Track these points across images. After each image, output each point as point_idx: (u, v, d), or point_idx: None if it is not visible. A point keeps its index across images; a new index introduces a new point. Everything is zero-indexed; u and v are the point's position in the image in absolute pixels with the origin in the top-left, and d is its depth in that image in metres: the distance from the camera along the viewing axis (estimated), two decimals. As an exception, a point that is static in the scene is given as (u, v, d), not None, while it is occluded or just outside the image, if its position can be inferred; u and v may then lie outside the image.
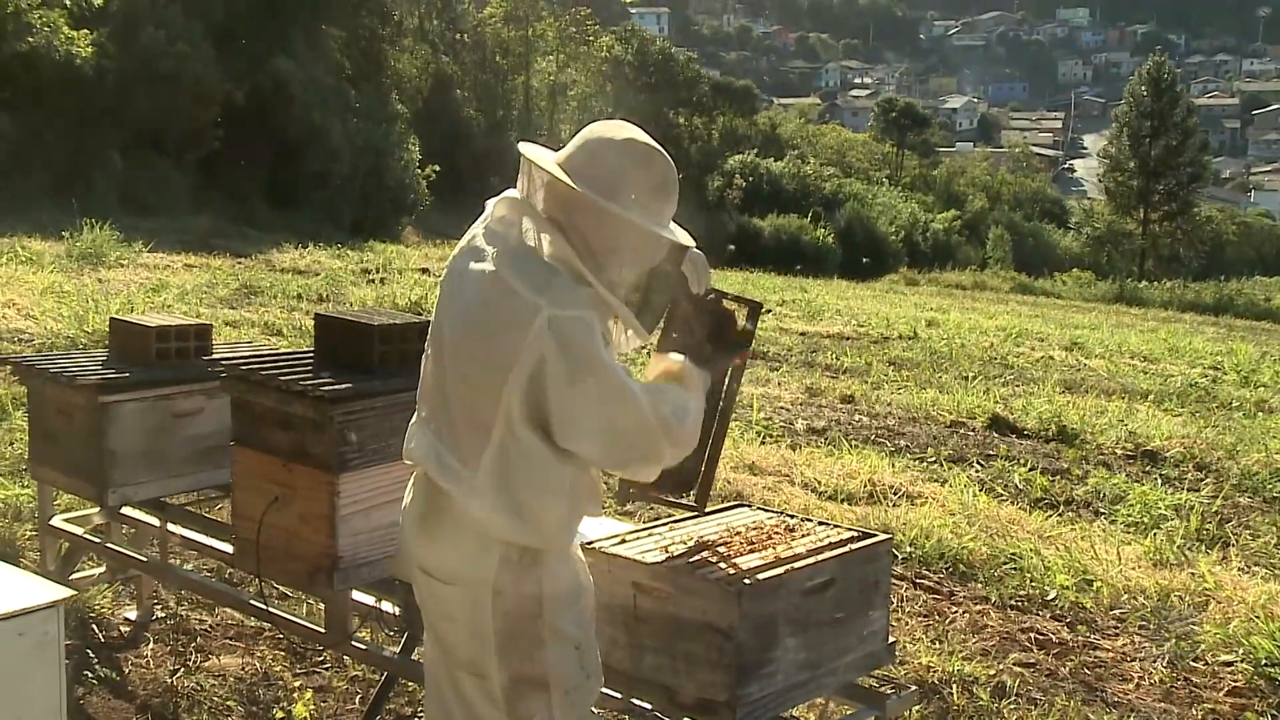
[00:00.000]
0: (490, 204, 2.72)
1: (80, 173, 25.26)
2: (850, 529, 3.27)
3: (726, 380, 2.99)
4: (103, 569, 5.05)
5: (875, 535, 3.21)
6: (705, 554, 3.02)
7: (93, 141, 26.14)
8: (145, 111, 27.42)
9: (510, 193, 2.67)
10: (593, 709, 2.81)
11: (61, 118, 25.77)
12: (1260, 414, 12.29)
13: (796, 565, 2.95)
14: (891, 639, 3.24)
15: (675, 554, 3.02)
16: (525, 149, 2.65)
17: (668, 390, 2.69)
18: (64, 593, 2.77)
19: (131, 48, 27.30)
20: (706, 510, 3.40)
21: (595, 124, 2.68)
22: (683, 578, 2.88)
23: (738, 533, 3.19)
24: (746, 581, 2.81)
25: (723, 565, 2.93)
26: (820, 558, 3.00)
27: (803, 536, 3.17)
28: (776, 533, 3.19)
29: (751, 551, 3.04)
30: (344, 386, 3.59)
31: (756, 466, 8.04)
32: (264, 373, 3.76)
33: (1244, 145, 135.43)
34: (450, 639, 2.72)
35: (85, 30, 26.41)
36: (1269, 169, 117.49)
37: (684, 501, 3.08)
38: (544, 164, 2.59)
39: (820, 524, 3.30)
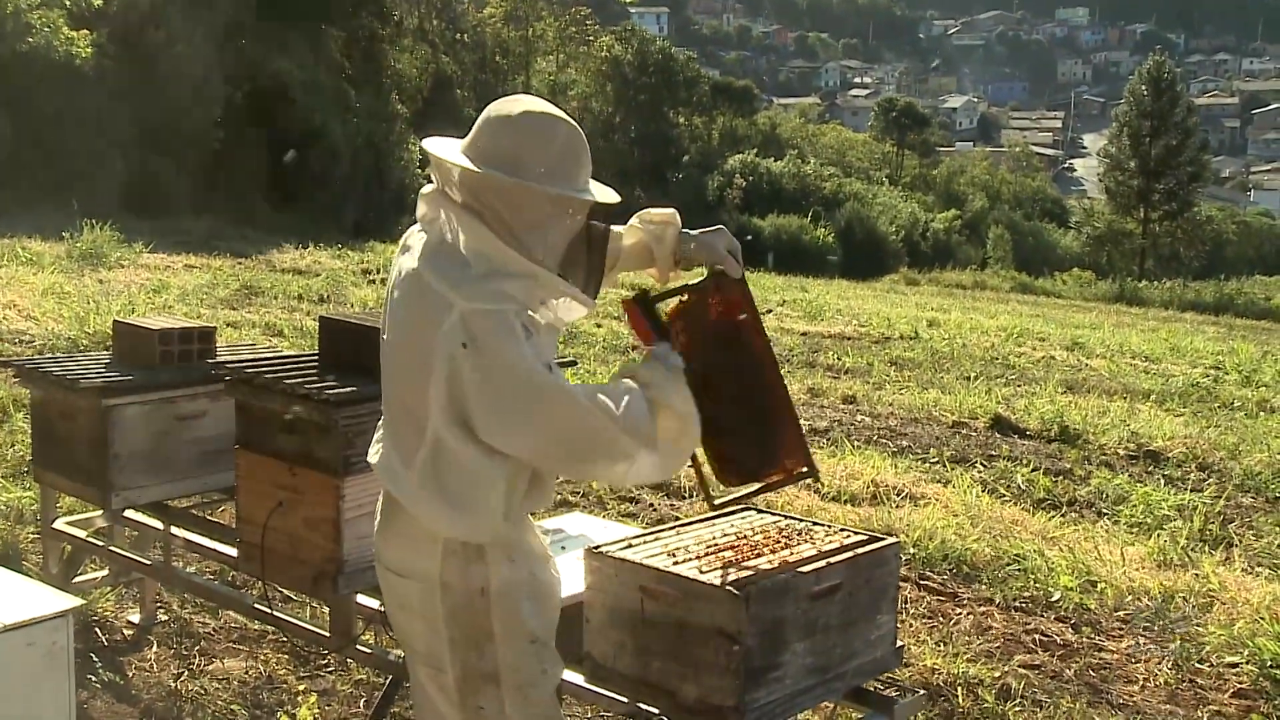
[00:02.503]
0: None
1: (80, 173, 25.20)
2: (858, 532, 3.26)
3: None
4: (106, 572, 5.05)
5: (883, 539, 3.19)
6: (712, 558, 3.01)
7: (93, 142, 26.09)
8: (145, 112, 27.38)
9: (428, 188, 2.67)
10: (558, 698, 2.83)
11: (61, 118, 25.73)
12: (1262, 414, 12.28)
13: (804, 569, 2.93)
14: (899, 643, 3.23)
15: (682, 558, 3.01)
16: (428, 144, 2.65)
17: (604, 386, 2.67)
18: (73, 601, 2.76)
19: (131, 48, 27.30)
20: (709, 515, 3.39)
21: (493, 103, 2.67)
22: (690, 582, 2.87)
23: (744, 536, 3.18)
24: (754, 586, 2.80)
25: (730, 569, 2.92)
26: (828, 562, 2.99)
27: (809, 540, 3.15)
28: (783, 536, 3.18)
29: (758, 555, 3.02)
30: (349, 390, 3.58)
31: (759, 468, 8.01)
32: (268, 376, 3.75)
33: (1243, 144, 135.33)
34: (407, 632, 2.78)
35: (85, 30, 26.38)
36: (1268, 168, 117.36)
37: (799, 473, 2.97)
38: (443, 154, 2.59)
39: (827, 527, 3.29)
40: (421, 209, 2.67)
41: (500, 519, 2.62)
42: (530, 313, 2.56)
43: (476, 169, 2.54)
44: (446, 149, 2.62)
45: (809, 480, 3.01)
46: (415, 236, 2.70)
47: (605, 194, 2.69)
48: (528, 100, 2.65)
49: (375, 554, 2.83)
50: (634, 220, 2.92)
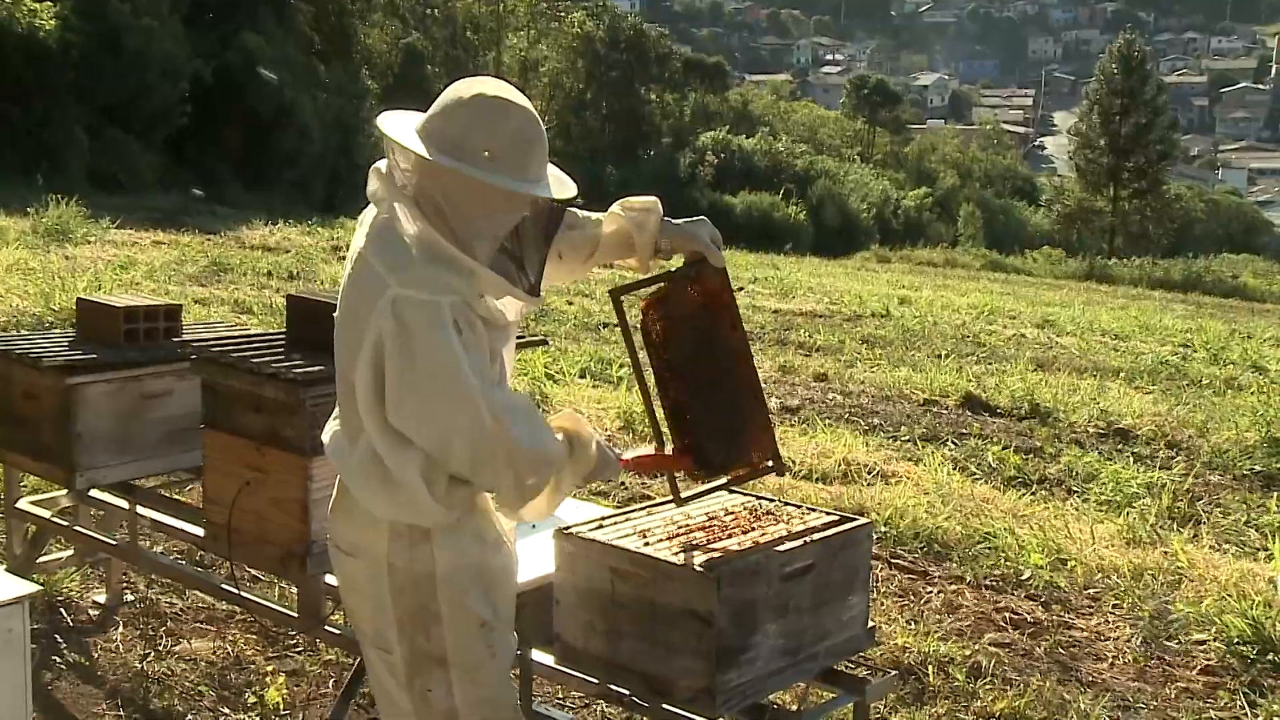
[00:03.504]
0: None
1: (45, 148, 24.93)
2: (830, 512, 3.24)
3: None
4: (71, 552, 4.99)
5: (855, 519, 3.18)
6: (683, 538, 2.99)
7: (58, 117, 25.80)
8: (112, 87, 27.06)
9: (379, 164, 2.61)
10: (511, 681, 2.82)
11: (25, 92, 25.41)
12: (1230, 391, 12.37)
13: (776, 550, 2.92)
14: (871, 623, 3.22)
15: (653, 539, 2.99)
16: (382, 119, 2.58)
17: (533, 419, 2.58)
18: (29, 588, 2.72)
19: (97, 22, 26.92)
20: (684, 495, 3.36)
21: (459, 81, 2.59)
22: (661, 563, 2.85)
23: (715, 517, 3.16)
24: (726, 567, 2.78)
25: (701, 550, 2.90)
26: (800, 542, 2.98)
27: (781, 520, 3.14)
28: (755, 517, 3.16)
29: (730, 536, 3.01)
30: (316, 369, 3.54)
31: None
32: (235, 355, 3.71)
33: (1212, 123, 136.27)
34: (356, 612, 2.77)
35: (49, 3, 26.03)
36: (1236, 147, 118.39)
37: (764, 467, 2.95)
38: (390, 132, 2.52)
39: (799, 507, 3.27)
40: (373, 185, 2.60)
41: (433, 503, 2.58)
42: (469, 306, 2.49)
43: (423, 153, 2.47)
44: (399, 127, 2.54)
45: (773, 475, 2.99)
46: (369, 213, 2.65)
47: (560, 187, 2.60)
48: (486, 83, 2.56)
49: (328, 532, 2.81)
50: (615, 208, 2.87)
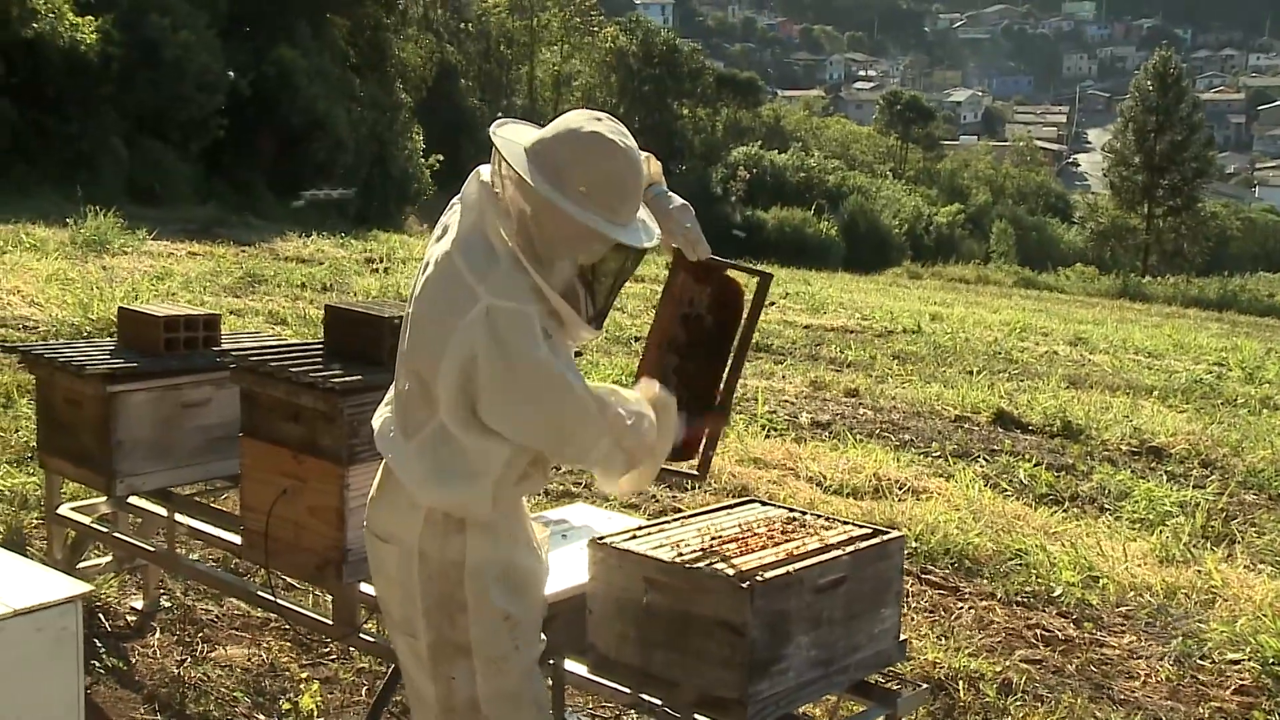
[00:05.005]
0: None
1: (84, 160, 25.18)
2: (862, 525, 3.26)
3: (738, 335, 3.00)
4: (110, 558, 5.05)
5: (888, 532, 3.19)
6: (716, 549, 3.01)
7: (97, 128, 26.05)
8: (149, 99, 27.33)
9: (482, 169, 2.69)
10: (539, 678, 2.88)
11: (65, 105, 25.69)
12: (1265, 410, 12.28)
13: (809, 562, 2.93)
14: (902, 637, 3.23)
15: (686, 550, 3.01)
16: (497, 129, 2.65)
17: (625, 397, 2.72)
18: (82, 587, 2.77)
19: (136, 35, 27.20)
20: (713, 507, 3.39)
21: (578, 111, 2.67)
22: (695, 574, 2.87)
23: (749, 529, 3.18)
24: (759, 578, 2.80)
25: (735, 561, 2.92)
26: (833, 555, 2.99)
27: (814, 533, 3.15)
28: (788, 529, 3.18)
29: (763, 548, 3.03)
30: (354, 378, 3.59)
31: (761, 460, 8.02)
32: (273, 364, 3.75)
33: (1249, 140, 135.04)
34: (387, 599, 2.85)
35: (90, 17, 26.32)
36: (1274, 164, 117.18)
37: (682, 469, 3.06)
38: (501, 147, 2.59)
39: (831, 520, 3.29)
40: (470, 188, 2.68)
41: (489, 500, 2.66)
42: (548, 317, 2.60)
43: (525, 176, 2.53)
44: (512, 144, 2.61)
45: (695, 481, 3.11)
46: (455, 214, 2.71)
47: (646, 235, 2.68)
48: (604, 121, 2.62)
49: (366, 520, 2.89)
50: None
